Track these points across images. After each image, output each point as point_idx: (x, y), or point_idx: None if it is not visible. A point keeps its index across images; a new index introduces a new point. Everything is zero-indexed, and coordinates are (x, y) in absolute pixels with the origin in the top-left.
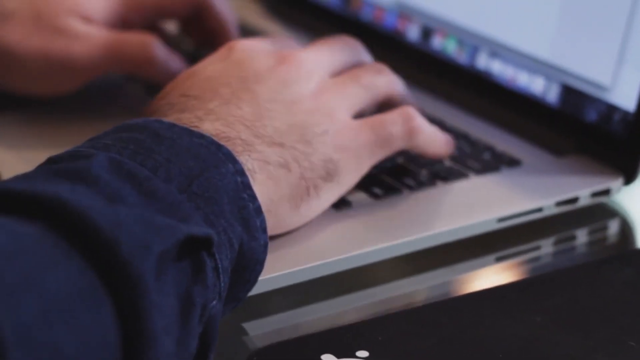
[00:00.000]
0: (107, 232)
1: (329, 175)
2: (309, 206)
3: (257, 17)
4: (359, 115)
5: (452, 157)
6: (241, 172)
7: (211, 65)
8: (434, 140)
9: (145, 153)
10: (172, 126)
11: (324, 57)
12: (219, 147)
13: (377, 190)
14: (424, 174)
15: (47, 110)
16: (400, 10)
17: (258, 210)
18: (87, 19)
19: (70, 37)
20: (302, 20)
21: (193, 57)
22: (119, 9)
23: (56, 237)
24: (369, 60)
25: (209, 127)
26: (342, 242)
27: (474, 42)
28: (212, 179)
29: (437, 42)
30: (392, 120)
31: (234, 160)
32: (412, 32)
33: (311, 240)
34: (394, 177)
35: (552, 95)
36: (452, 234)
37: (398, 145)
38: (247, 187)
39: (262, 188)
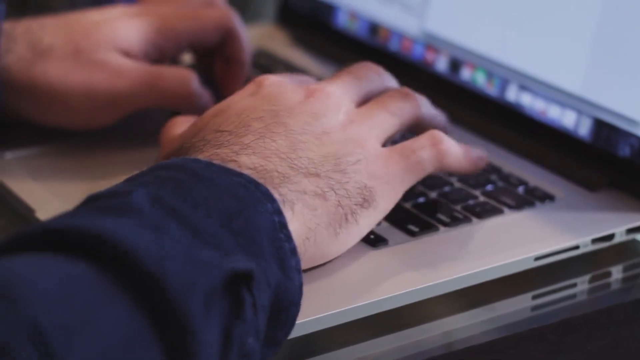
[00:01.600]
0: (153, 268)
1: (366, 201)
2: (348, 232)
3: (282, 46)
4: (389, 140)
5: (486, 193)
6: (278, 212)
7: (241, 100)
8: (463, 159)
9: (185, 191)
10: (210, 165)
11: (349, 87)
12: (257, 185)
13: (412, 227)
14: (458, 209)
15: (74, 142)
16: (428, 41)
17: (293, 250)
18: (125, 52)
19: (111, 71)
20: (328, 50)
21: None
22: (154, 39)
23: (105, 275)
24: (394, 84)
25: (246, 160)
26: (380, 282)
27: (503, 74)
28: (251, 218)
29: (466, 74)
30: (420, 145)
31: (271, 199)
32: (441, 63)
33: (349, 279)
34: (429, 212)
35: (584, 129)
36: (490, 273)
37: (428, 169)
38: (284, 226)
39: (300, 218)
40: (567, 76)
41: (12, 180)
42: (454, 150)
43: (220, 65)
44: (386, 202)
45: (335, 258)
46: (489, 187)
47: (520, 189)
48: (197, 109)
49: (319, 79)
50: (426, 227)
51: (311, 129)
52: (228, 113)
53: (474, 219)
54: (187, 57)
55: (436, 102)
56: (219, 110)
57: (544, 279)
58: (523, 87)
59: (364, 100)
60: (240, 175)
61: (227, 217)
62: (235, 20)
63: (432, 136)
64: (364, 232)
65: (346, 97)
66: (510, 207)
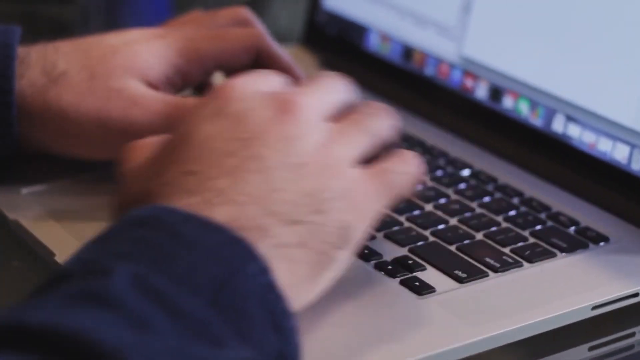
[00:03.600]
0: None
1: (344, 242)
2: (327, 278)
3: (309, 70)
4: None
5: (536, 233)
6: (264, 270)
7: (204, 124)
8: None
9: (167, 261)
10: (188, 219)
11: (322, 100)
12: (240, 242)
13: (460, 273)
14: (507, 252)
15: (93, 175)
16: (466, 67)
17: (286, 311)
18: (144, 78)
19: (126, 100)
20: (358, 75)
21: None
22: (176, 63)
23: None
24: (358, 99)
25: (221, 215)
26: (429, 335)
27: (549, 103)
28: (239, 286)
29: (508, 103)
30: (399, 169)
31: (255, 257)
32: (480, 91)
33: (394, 332)
34: (476, 255)
35: (637, 163)
36: (545, 324)
37: (404, 193)
38: (273, 287)
39: (282, 273)
40: (619, 107)
41: (29, 219)
42: (422, 173)
43: None
44: (361, 235)
45: (368, 308)
46: (538, 227)
47: (572, 229)
48: None
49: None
50: (475, 273)
51: (287, 161)
52: (191, 144)
53: (525, 263)
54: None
55: (476, 131)
56: (179, 139)
57: (601, 328)
58: (570, 118)
59: (336, 116)
60: (222, 231)
61: (214, 291)
62: (266, 38)
63: (411, 160)
64: (339, 273)
65: (320, 112)
66: (562, 249)
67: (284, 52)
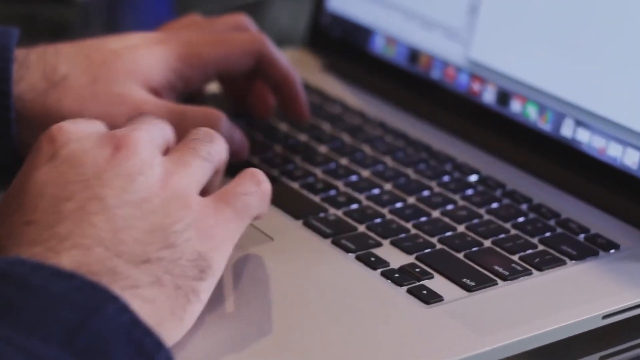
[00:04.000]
0: None
1: (203, 272)
2: (192, 312)
3: (312, 74)
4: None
5: (545, 241)
6: (124, 308)
7: (39, 170)
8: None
9: (16, 312)
10: (36, 268)
11: (152, 134)
12: (93, 286)
13: (468, 282)
14: (516, 260)
15: None
16: (473, 70)
17: (158, 344)
18: (147, 83)
19: (129, 106)
20: (363, 78)
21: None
22: (179, 68)
23: None
24: (172, 134)
25: (68, 261)
26: (437, 345)
27: (558, 108)
28: (98, 328)
29: (516, 107)
30: (246, 190)
31: (112, 298)
32: (488, 95)
33: (401, 343)
34: (485, 263)
35: None
36: (556, 334)
37: (255, 214)
38: (137, 322)
39: (142, 315)
40: (629, 111)
41: None
42: (270, 188)
43: (258, 97)
44: (221, 262)
45: (375, 318)
46: (548, 234)
47: (581, 237)
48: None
49: (341, 108)
50: (483, 281)
51: (130, 198)
52: (28, 193)
53: (534, 271)
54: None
55: (483, 136)
56: (16, 189)
57: (612, 338)
58: (580, 123)
59: (167, 149)
60: (74, 277)
61: (68, 334)
62: (267, 43)
63: (256, 178)
64: (204, 304)
65: (154, 145)
66: (572, 257)
67: (284, 58)
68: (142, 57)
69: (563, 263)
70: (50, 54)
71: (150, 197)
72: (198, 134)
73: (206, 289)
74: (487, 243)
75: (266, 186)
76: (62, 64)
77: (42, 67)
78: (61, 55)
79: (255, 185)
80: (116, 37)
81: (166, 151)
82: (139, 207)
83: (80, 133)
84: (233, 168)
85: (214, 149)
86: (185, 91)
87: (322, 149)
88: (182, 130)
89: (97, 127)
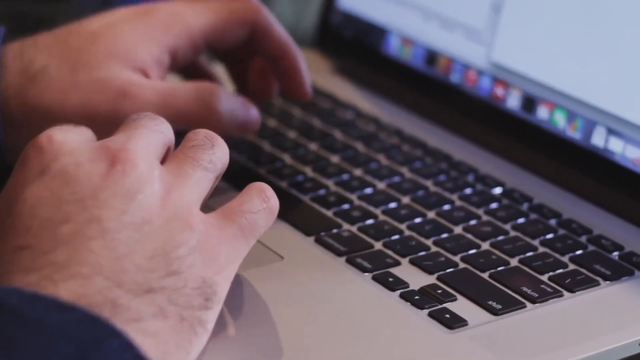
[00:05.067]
0: None
1: (209, 301)
2: (199, 344)
3: (323, 77)
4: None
5: (576, 259)
6: (128, 346)
7: (29, 187)
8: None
9: (11, 344)
10: (36, 299)
11: (149, 141)
12: (95, 320)
13: (495, 304)
14: (545, 281)
15: None
16: (496, 74)
17: None
18: (129, 64)
19: (114, 91)
20: (378, 82)
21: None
22: (164, 41)
23: None
24: (171, 134)
25: (67, 292)
26: None
27: (588, 115)
28: None
29: (543, 114)
30: (253, 207)
31: (116, 333)
32: (512, 100)
33: None
34: (512, 284)
35: None
36: None
37: (261, 233)
38: (141, 359)
39: (145, 350)
40: None
41: None
42: (278, 205)
43: (257, 75)
44: (226, 286)
45: (393, 344)
46: (579, 252)
47: (615, 255)
48: (230, 127)
49: (354, 114)
50: (511, 304)
51: (129, 220)
52: (19, 214)
53: (565, 293)
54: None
55: (507, 146)
56: (4, 206)
57: None
58: (612, 131)
59: (164, 153)
60: (73, 309)
61: None
62: (263, 11)
63: (264, 194)
64: (210, 333)
65: (152, 154)
66: (605, 277)
67: (282, 29)
68: (123, 34)
69: (596, 284)
70: (27, 47)
71: (151, 217)
72: (197, 139)
73: (212, 318)
74: (514, 262)
75: (275, 203)
76: (39, 55)
77: (19, 62)
78: (39, 46)
79: (264, 202)
80: (96, 15)
81: (165, 155)
82: (140, 230)
83: (71, 144)
84: (239, 178)
85: (216, 155)
86: (175, 65)
87: (334, 158)
88: (175, 112)
89: (87, 135)
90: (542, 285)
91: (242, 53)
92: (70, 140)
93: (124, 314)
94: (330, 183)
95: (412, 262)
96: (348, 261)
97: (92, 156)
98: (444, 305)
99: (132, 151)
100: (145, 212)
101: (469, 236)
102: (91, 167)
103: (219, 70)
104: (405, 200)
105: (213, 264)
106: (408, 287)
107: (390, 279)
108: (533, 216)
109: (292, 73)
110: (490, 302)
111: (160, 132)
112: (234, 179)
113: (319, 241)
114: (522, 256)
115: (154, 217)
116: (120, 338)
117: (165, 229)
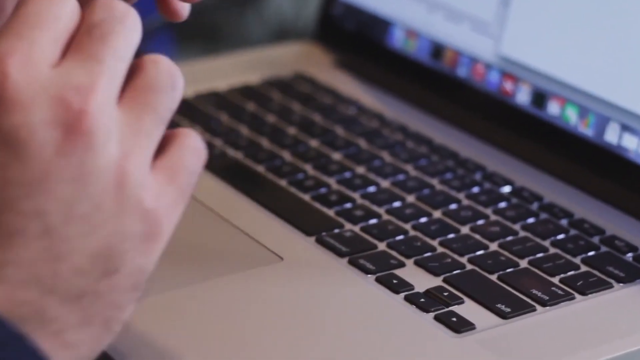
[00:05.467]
0: None
1: (137, 290)
2: (115, 333)
3: (323, 70)
4: None
5: (588, 261)
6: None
7: None
8: None
9: None
10: None
11: (113, 90)
12: (23, 341)
13: (503, 307)
14: (557, 283)
15: None
16: (505, 68)
17: None
18: None
19: None
20: (382, 76)
21: None
22: None
23: None
24: (137, 34)
25: None
26: None
27: (601, 110)
28: None
29: (554, 109)
30: (187, 163)
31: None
32: (521, 95)
33: None
34: (521, 286)
35: None
36: None
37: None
38: None
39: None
40: None
41: None
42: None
43: None
44: (156, 261)
45: (397, 349)
46: (592, 254)
47: (629, 256)
48: None
49: (356, 109)
50: (520, 307)
51: (78, 212)
52: None
53: (577, 296)
54: None
55: (516, 142)
56: None
57: None
58: (626, 127)
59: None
60: (2, 326)
61: None
62: None
63: (200, 150)
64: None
65: (112, 111)
66: (619, 279)
67: None
68: None
69: (609, 286)
70: None
71: (103, 202)
72: (159, 75)
73: (133, 306)
74: (524, 263)
75: (204, 158)
76: None
77: None
78: None
79: (199, 159)
80: None
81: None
82: (88, 221)
83: (27, 90)
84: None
85: (175, 102)
86: None
87: (336, 156)
88: None
89: (49, 54)
90: (553, 288)
91: None
92: (26, 83)
93: (49, 326)
94: (331, 181)
95: (417, 263)
96: (350, 262)
97: (48, 117)
98: (451, 308)
99: (93, 115)
100: (97, 197)
101: (477, 236)
102: (45, 134)
103: None
104: (410, 199)
105: (154, 246)
106: (413, 289)
107: (395, 281)
108: (543, 216)
109: None
110: (498, 305)
111: (126, 58)
112: (232, 178)
113: (320, 241)
114: (532, 257)
115: (106, 201)
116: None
117: (116, 217)
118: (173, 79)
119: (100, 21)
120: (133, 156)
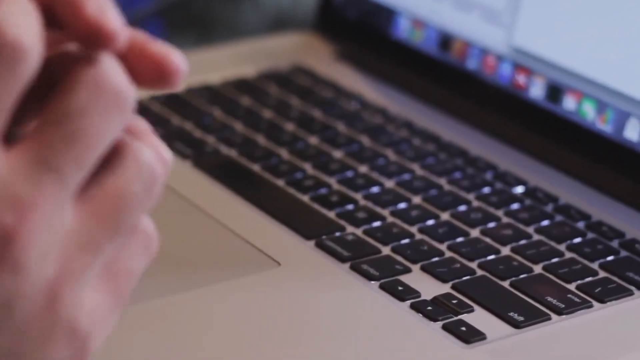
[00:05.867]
0: None
1: None
2: None
3: (325, 62)
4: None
5: (607, 266)
6: None
7: None
8: None
9: None
10: None
11: (65, 188)
12: None
13: (516, 316)
14: (573, 290)
15: None
16: (518, 60)
17: None
18: None
19: None
20: (386, 69)
21: None
22: None
23: None
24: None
25: None
26: None
27: (620, 105)
28: None
29: (570, 104)
30: (138, 264)
31: None
32: (535, 89)
33: None
34: (535, 294)
35: None
36: None
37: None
38: None
39: None
40: None
41: None
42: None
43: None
44: None
45: (410, 358)
46: (610, 258)
47: None
48: None
49: (358, 104)
50: (534, 316)
51: (2, 343)
52: None
53: (595, 303)
54: None
55: (530, 139)
56: None
57: None
58: None
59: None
60: None
61: None
62: None
63: (151, 242)
64: None
65: (58, 217)
66: (639, 286)
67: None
68: None
69: (629, 293)
70: None
71: (30, 330)
72: (137, 178)
73: None
74: (538, 269)
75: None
76: None
77: None
78: None
79: (149, 250)
80: None
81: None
82: (13, 352)
83: None
84: (230, 176)
85: (148, 207)
86: None
87: (337, 154)
88: None
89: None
90: (569, 295)
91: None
92: None
93: None
94: (332, 181)
95: (423, 269)
96: (352, 268)
97: None
98: (460, 317)
99: (26, 238)
100: (23, 324)
101: (488, 240)
102: None
103: None
104: (417, 200)
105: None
106: (419, 296)
107: (400, 288)
108: (559, 218)
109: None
110: (511, 314)
111: (92, 164)
112: (225, 177)
113: (320, 245)
114: (546, 262)
115: (33, 328)
116: None
117: (42, 345)
118: (152, 182)
119: (77, 110)
120: (71, 278)
